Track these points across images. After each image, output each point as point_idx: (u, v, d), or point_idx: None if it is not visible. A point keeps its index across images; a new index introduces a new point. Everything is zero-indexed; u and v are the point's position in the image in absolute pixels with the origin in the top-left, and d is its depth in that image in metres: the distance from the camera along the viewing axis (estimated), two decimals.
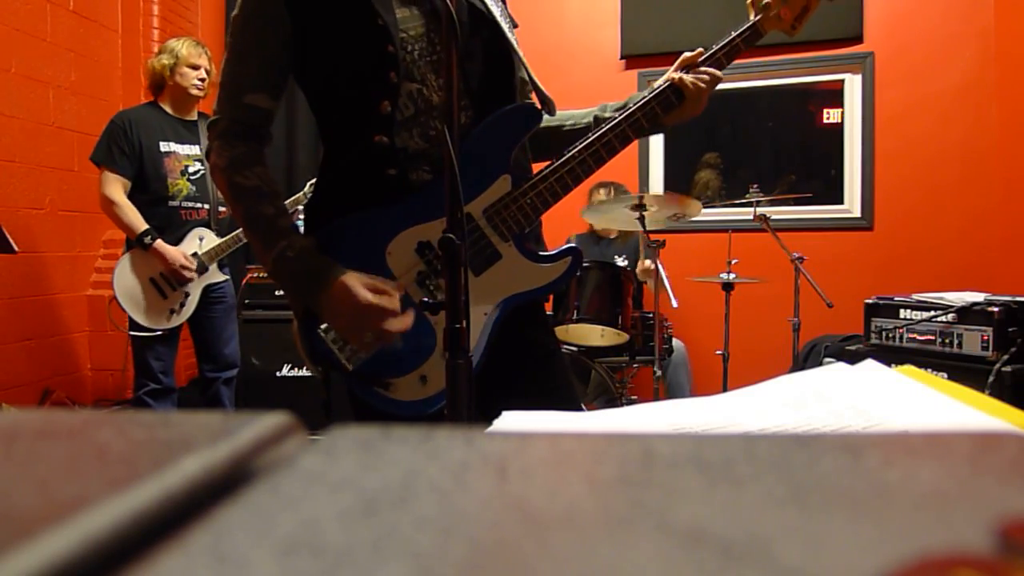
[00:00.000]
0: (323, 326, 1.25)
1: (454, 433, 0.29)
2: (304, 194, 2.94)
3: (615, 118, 1.33)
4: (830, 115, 4.00)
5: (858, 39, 3.81)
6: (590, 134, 1.32)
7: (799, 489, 0.23)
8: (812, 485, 0.23)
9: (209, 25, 4.40)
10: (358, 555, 0.18)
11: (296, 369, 3.26)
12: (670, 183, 4.24)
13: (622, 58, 4.16)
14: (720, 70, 1.36)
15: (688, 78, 1.33)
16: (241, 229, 2.91)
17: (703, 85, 1.33)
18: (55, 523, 0.18)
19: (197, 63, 2.88)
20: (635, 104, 1.34)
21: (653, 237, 2.82)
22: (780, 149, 4.42)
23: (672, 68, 1.37)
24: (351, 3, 1.21)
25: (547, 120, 1.40)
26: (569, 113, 1.44)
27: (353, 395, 1.30)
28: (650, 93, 1.34)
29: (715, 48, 1.37)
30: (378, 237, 1.27)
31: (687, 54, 1.36)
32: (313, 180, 2.97)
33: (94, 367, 3.75)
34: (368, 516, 0.21)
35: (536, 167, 1.36)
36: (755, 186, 3.19)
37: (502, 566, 0.18)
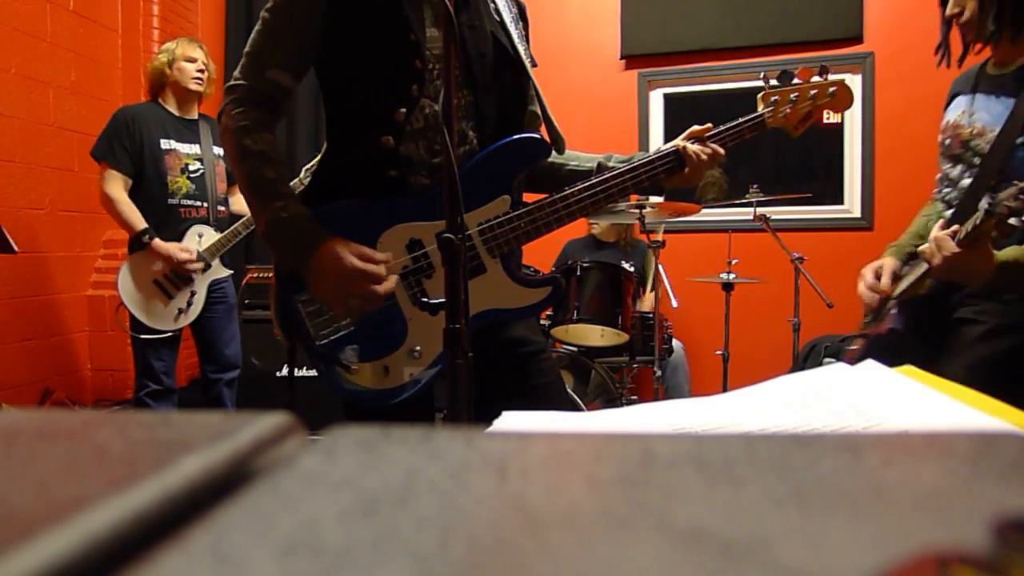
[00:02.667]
0: (302, 296, 1.28)
1: (454, 433, 0.29)
2: (300, 180, 2.93)
3: (618, 168, 1.37)
4: (830, 115, 3.99)
5: (858, 39, 3.81)
6: (593, 178, 1.36)
7: (799, 489, 0.23)
8: (812, 485, 0.23)
9: (209, 25, 4.40)
10: (358, 555, 0.18)
11: (296, 369, 3.26)
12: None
13: (622, 58, 4.16)
14: (723, 149, 1.41)
15: (693, 148, 1.37)
16: (243, 214, 2.92)
17: (704, 158, 1.37)
18: (55, 523, 0.18)
19: (193, 56, 2.88)
20: (640, 160, 1.38)
21: (653, 238, 2.83)
22: (780, 149, 4.42)
23: (681, 137, 1.41)
24: (388, 13, 1.26)
25: (551, 157, 1.45)
26: (573, 154, 1.48)
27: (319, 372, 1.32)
28: (656, 155, 1.38)
29: (722, 128, 1.42)
30: (372, 224, 1.30)
31: (696, 127, 1.41)
32: (309, 166, 2.99)
33: (94, 367, 3.75)
34: (368, 516, 0.21)
35: (527, 198, 1.40)
36: (755, 186, 3.19)
37: (502, 566, 0.18)
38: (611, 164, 1.42)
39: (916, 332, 1.74)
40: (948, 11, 1.72)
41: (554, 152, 1.41)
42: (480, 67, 1.33)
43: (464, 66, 1.31)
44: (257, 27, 1.30)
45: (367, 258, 1.23)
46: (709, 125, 1.41)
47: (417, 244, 1.30)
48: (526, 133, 1.35)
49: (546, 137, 1.39)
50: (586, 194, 1.35)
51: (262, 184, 1.25)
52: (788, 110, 1.47)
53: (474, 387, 1.30)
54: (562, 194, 1.35)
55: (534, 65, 1.41)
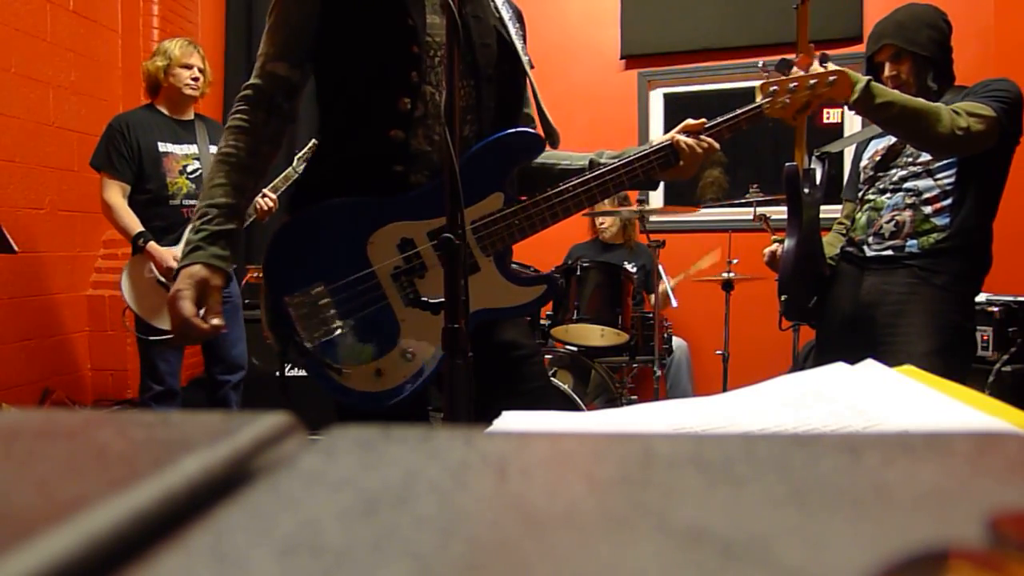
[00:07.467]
0: (293, 299, 1.27)
1: (454, 433, 0.29)
2: (293, 169, 2.93)
3: (612, 164, 1.36)
4: (830, 115, 3.99)
5: (858, 39, 3.81)
6: (587, 173, 1.35)
7: (799, 489, 0.23)
8: (812, 485, 0.23)
9: (209, 25, 4.39)
10: (358, 555, 0.18)
11: (296, 369, 3.25)
12: (675, 182, 4.23)
13: (622, 58, 4.16)
14: (719, 143, 1.39)
15: (688, 142, 1.36)
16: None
17: (700, 152, 1.36)
18: (55, 523, 0.18)
19: (189, 63, 2.90)
20: (634, 155, 1.37)
21: (653, 237, 2.83)
22: (780, 149, 4.42)
23: (675, 130, 1.40)
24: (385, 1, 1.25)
25: (542, 156, 1.44)
26: (565, 153, 1.47)
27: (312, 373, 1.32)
28: (650, 149, 1.37)
29: (719, 120, 1.40)
30: (363, 224, 1.29)
31: (690, 121, 1.39)
32: (300, 154, 2.97)
33: (94, 367, 3.74)
34: (368, 516, 0.21)
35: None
36: (755, 186, 3.19)
37: (502, 566, 0.18)
38: (603, 160, 1.41)
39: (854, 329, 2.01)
40: (886, 74, 1.96)
41: (548, 149, 1.40)
42: (484, 57, 1.32)
43: (468, 55, 1.30)
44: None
45: (198, 299, 1.20)
46: (703, 120, 1.40)
47: (409, 244, 1.29)
48: (519, 128, 1.34)
49: (540, 132, 1.38)
50: (580, 189, 1.33)
51: (207, 185, 1.27)
52: (787, 100, 1.46)
53: (472, 387, 1.29)
54: (556, 190, 1.34)
55: (531, 66, 1.41)
